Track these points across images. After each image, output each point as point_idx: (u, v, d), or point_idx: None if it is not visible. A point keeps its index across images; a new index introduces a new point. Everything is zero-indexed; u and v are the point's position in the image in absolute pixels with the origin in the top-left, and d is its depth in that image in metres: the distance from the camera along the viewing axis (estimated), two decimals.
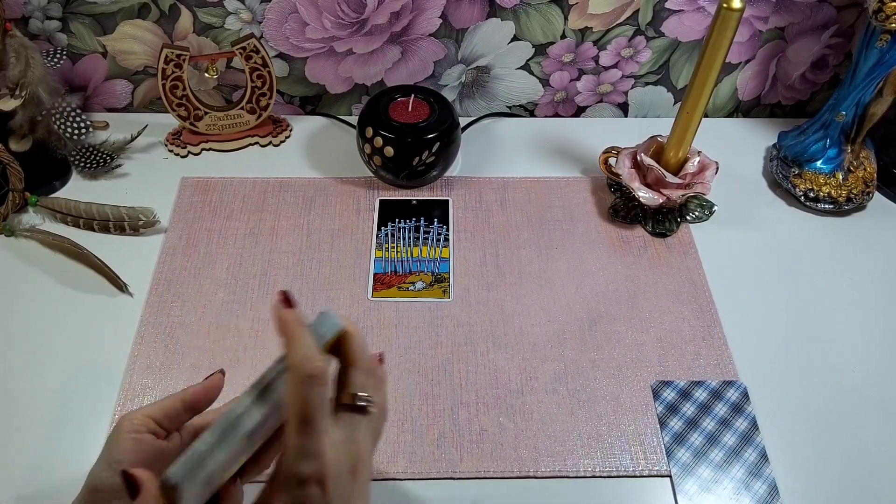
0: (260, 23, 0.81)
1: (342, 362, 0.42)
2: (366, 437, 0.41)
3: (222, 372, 0.48)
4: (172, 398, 0.45)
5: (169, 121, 0.84)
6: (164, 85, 0.79)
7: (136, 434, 0.43)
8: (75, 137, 0.79)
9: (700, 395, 0.64)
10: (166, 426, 0.45)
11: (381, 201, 0.80)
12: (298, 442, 0.37)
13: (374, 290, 0.72)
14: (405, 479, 0.59)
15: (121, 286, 0.71)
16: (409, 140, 0.76)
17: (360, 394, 0.41)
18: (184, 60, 0.78)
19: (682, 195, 0.75)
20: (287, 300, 0.40)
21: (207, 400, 0.46)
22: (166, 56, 0.78)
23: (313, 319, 0.42)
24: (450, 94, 0.90)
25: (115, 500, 0.41)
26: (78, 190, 0.80)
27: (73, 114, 0.79)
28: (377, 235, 0.77)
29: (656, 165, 0.75)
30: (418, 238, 0.77)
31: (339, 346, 0.42)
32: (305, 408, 0.37)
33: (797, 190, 0.81)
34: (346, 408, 0.41)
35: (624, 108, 0.93)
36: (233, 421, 0.39)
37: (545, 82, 0.89)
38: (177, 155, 0.84)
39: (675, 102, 0.92)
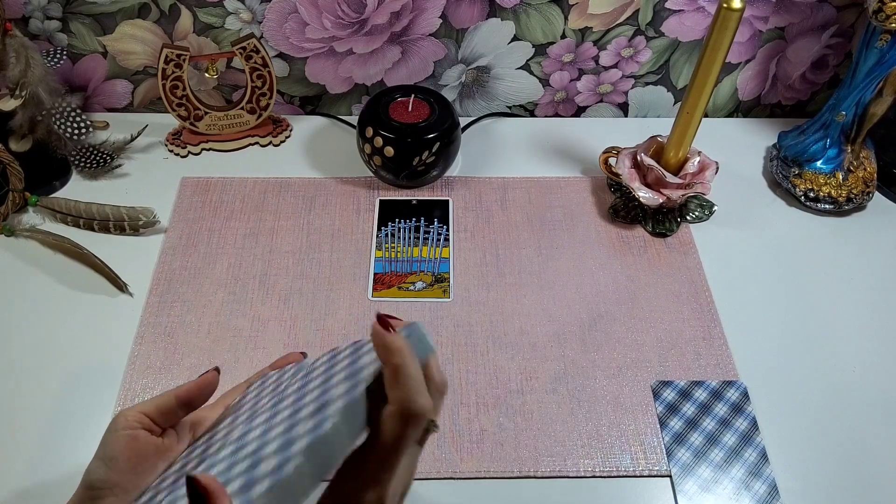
0: (260, 23, 0.81)
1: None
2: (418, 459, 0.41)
3: (217, 370, 0.47)
4: (167, 395, 0.45)
5: (169, 121, 0.85)
6: (164, 85, 0.79)
7: (131, 431, 0.43)
8: (75, 137, 0.79)
9: (700, 395, 0.64)
10: (161, 423, 0.45)
11: (381, 201, 0.80)
12: (376, 472, 0.36)
13: (374, 290, 0.72)
14: None
15: (121, 286, 0.71)
16: (409, 140, 0.76)
17: (434, 420, 0.39)
18: (184, 60, 0.78)
19: (682, 195, 0.75)
20: (385, 324, 0.37)
21: (202, 397, 0.46)
22: (166, 56, 0.78)
23: (405, 333, 0.38)
24: (450, 94, 0.90)
25: (111, 497, 0.41)
26: (78, 190, 0.80)
27: (73, 114, 0.79)
28: (377, 235, 0.77)
29: (656, 165, 0.75)
30: (418, 238, 0.77)
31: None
32: (399, 446, 0.36)
33: (797, 190, 0.81)
34: (421, 435, 0.39)
35: (624, 108, 0.93)
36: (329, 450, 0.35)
37: (545, 82, 0.89)
38: (177, 155, 0.84)
39: (675, 102, 0.92)
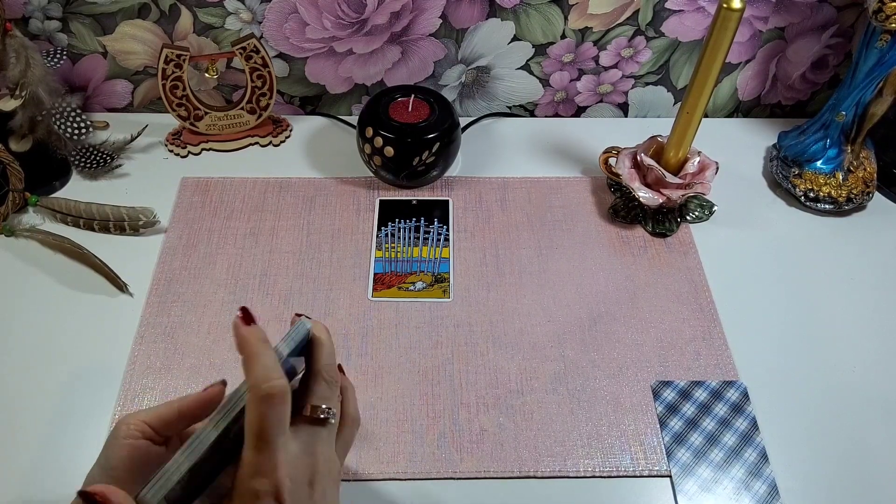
0: (260, 23, 0.81)
1: (308, 369, 0.43)
2: (326, 448, 0.42)
3: (224, 383, 0.47)
4: (169, 406, 0.45)
5: (169, 121, 0.85)
6: (164, 85, 0.79)
7: (132, 440, 0.43)
8: (75, 137, 0.79)
9: (700, 395, 0.64)
10: (162, 433, 0.44)
11: (381, 201, 0.80)
12: (254, 459, 0.38)
13: (374, 290, 0.72)
14: (405, 479, 0.59)
15: (121, 286, 0.71)
16: (409, 140, 0.76)
17: (320, 406, 0.42)
18: (184, 60, 0.78)
19: (682, 195, 0.75)
20: (247, 317, 0.40)
21: (205, 412, 0.45)
22: (166, 56, 0.78)
23: (290, 329, 0.43)
24: (450, 94, 0.90)
25: None
26: (78, 190, 0.80)
27: (73, 114, 0.79)
28: (377, 235, 0.77)
29: (656, 165, 0.75)
30: (418, 238, 0.77)
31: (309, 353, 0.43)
32: (262, 426, 0.38)
33: (797, 190, 0.81)
34: (305, 419, 0.42)
35: (624, 108, 0.93)
36: (202, 441, 0.40)
37: (545, 82, 0.89)
38: (177, 155, 0.84)
39: (675, 102, 0.92)
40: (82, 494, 0.38)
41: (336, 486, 0.43)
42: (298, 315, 0.46)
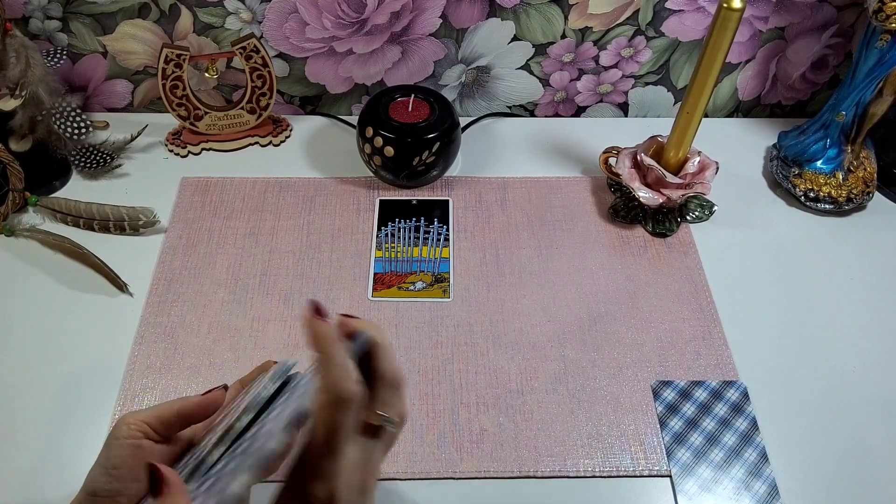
0: (260, 23, 0.81)
1: (370, 375, 0.41)
2: (380, 457, 0.41)
3: (225, 387, 0.46)
4: (169, 407, 0.44)
5: (169, 121, 0.84)
6: (164, 85, 0.79)
7: (133, 440, 0.43)
8: (75, 137, 0.79)
9: (700, 395, 0.64)
10: (161, 433, 0.44)
11: (381, 201, 0.80)
12: (319, 463, 0.37)
13: (374, 290, 0.72)
14: (405, 479, 0.59)
15: (121, 286, 0.71)
16: (409, 140, 0.76)
17: (384, 414, 0.40)
18: (184, 60, 0.78)
19: (682, 195, 0.75)
20: (319, 310, 0.38)
21: (204, 415, 0.45)
22: (166, 56, 0.78)
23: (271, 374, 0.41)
24: (450, 94, 0.90)
25: None
26: (78, 190, 0.80)
27: (73, 114, 0.79)
28: (377, 235, 0.77)
29: (656, 165, 0.75)
30: (418, 238, 0.77)
31: (365, 357, 0.40)
32: (333, 432, 0.37)
33: (797, 190, 0.81)
34: (369, 428, 0.40)
35: (624, 108, 0.93)
36: (255, 445, 0.37)
37: (545, 82, 0.89)
38: (177, 155, 0.84)
39: (675, 102, 0.92)
40: (150, 465, 0.37)
41: (377, 486, 0.42)
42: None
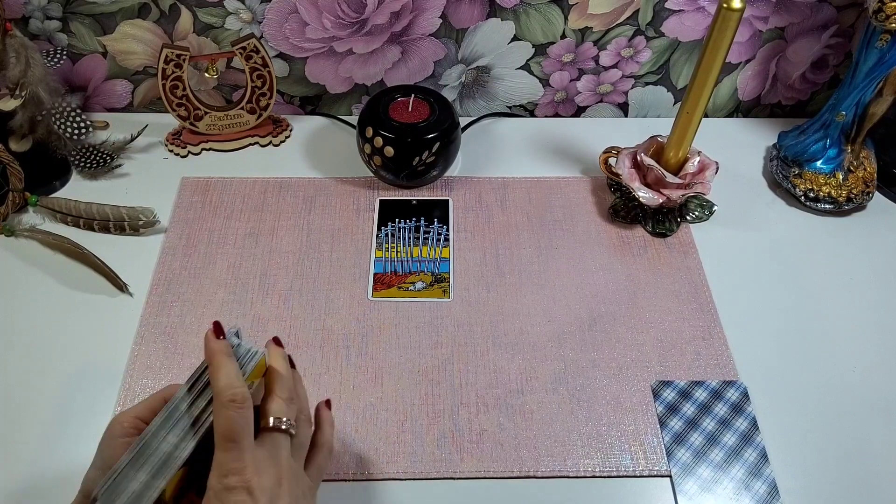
0: (260, 23, 0.81)
1: (265, 392, 0.47)
2: (289, 455, 0.45)
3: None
4: (155, 397, 0.48)
5: (169, 121, 0.85)
6: (164, 85, 0.79)
7: (128, 438, 0.43)
8: (75, 137, 0.79)
9: (700, 395, 0.64)
10: None
11: (381, 201, 0.80)
12: (225, 458, 0.41)
13: (374, 290, 0.72)
14: (405, 479, 0.59)
15: (121, 286, 0.71)
16: (409, 140, 0.76)
17: (279, 417, 0.45)
18: (184, 60, 0.78)
19: (682, 195, 0.75)
20: (217, 330, 0.46)
21: None
22: (166, 56, 0.78)
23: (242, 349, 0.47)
24: (450, 94, 0.90)
25: None
26: (78, 190, 0.80)
27: (73, 114, 0.79)
28: (377, 235, 0.77)
29: (656, 165, 0.75)
30: (418, 238, 0.77)
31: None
32: (229, 427, 0.42)
33: (797, 190, 0.81)
34: (266, 429, 0.45)
35: (624, 108, 0.93)
36: (148, 442, 0.43)
37: (545, 82, 0.89)
38: (177, 155, 0.84)
39: (675, 102, 0.92)
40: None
41: (309, 502, 0.46)
42: (278, 343, 0.51)
